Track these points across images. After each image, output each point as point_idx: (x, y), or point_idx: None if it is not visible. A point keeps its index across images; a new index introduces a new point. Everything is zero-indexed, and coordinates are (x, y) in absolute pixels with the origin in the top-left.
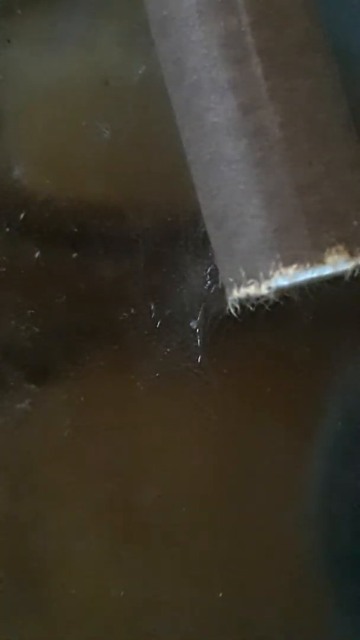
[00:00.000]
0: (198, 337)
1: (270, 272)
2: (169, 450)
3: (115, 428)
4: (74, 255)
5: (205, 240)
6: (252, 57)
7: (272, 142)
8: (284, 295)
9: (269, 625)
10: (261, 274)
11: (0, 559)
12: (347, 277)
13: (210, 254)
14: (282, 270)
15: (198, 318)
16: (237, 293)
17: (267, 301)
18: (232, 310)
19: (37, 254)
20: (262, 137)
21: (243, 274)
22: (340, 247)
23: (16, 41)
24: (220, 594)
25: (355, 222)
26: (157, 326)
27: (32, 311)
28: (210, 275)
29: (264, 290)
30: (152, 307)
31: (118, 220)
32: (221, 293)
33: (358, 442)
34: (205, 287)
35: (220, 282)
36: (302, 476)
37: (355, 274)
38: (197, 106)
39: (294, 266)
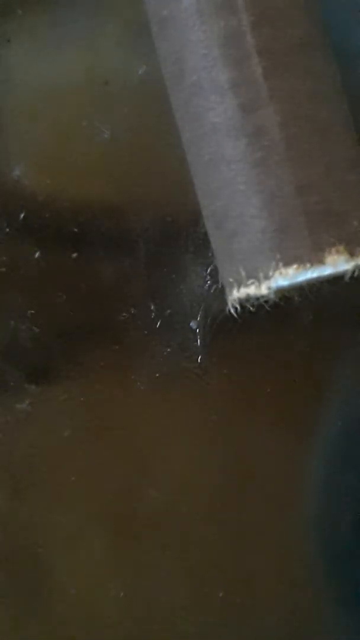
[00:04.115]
0: (198, 337)
1: (270, 272)
2: (169, 450)
3: (115, 428)
4: (74, 255)
5: (205, 240)
6: (252, 57)
7: (272, 142)
8: (284, 295)
9: (269, 626)
10: (261, 274)
11: (0, 559)
12: (347, 277)
13: (210, 254)
14: (282, 270)
15: (198, 318)
16: (237, 293)
17: (267, 301)
18: (232, 310)
19: (37, 254)
20: (262, 137)
21: (243, 274)
22: (340, 247)
23: (16, 41)
24: (220, 594)
25: (355, 222)
26: (157, 326)
27: (32, 311)
28: (210, 275)
29: (264, 290)
30: (152, 307)
31: (118, 220)
32: (221, 293)
33: (358, 442)
34: (205, 287)
35: (220, 282)
36: (302, 476)
37: (355, 274)
38: (197, 106)
39: (294, 266)
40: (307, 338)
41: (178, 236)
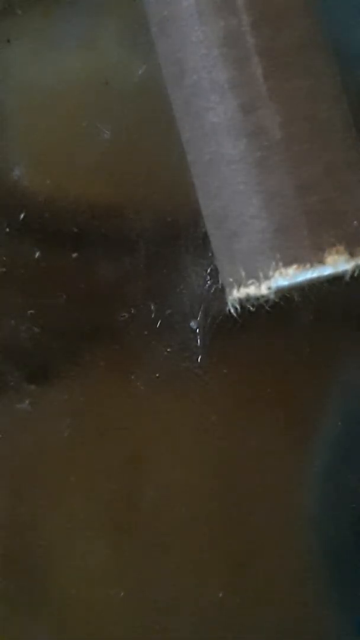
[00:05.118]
0: (198, 337)
1: (270, 272)
2: (168, 450)
3: (115, 428)
4: (74, 255)
5: (205, 240)
6: (252, 57)
7: (272, 142)
8: (284, 295)
9: (269, 626)
10: (261, 274)
11: (0, 558)
12: (347, 277)
13: (210, 254)
14: (282, 270)
15: (198, 318)
16: (237, 293)
17: (267, 301)
18: (232, 310)
19: (37, 254)
20: (262, 137)
21: (243, 274)
22: (340, 247)
23: (16, 41)
24: (220, 594)
25: (355, 222)
26: (157, 326)
27: (32, 311)
28: (210, 275)
29: (264, 290)
30: (152, 307)
31: (118, 220)
32: (221, 293)
33: (358, 442)
34: (205, 287)
35: (220, 282)
36: (302, 476)
37: (355, 274)
38: (197, 106)
39: (294, 266)
40: (307, 338)
41: (178, 236)
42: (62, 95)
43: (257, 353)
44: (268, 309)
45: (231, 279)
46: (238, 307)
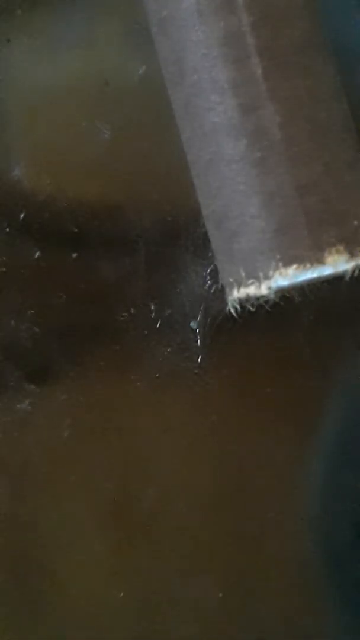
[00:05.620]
0: (198, 337)
1: (270, 272)
2: (168, 450)
3: (115, 428)
4: (74, 255)
5: (205, 240)
6: (252, 57)
7: (272, 142)
8: (284, 295)
9: (269, 626)
10: (261, 274)
11: (0, 558)
12: (347, 277)
13: (210, 254)
14: (282, 270)
15: (198, 318)
16: (237, 293)
17: (267, 301)
18: (232, 310)
19: (37, 254)
20: (262, 137)
21: (243, 274)
22: (340, 247)
23: (16, 41)
24: (220, 594)
25: (355, 222)
26: (157, 326)
27: (32, 311)
28: (210, 275)
29: (264, 290)
30: (152, 307)
31: (118, 220)
32: (221, 293)
33: (358, 442)
34: (205, 287)
35: (220, 282)
36: (302, 476)
37: (355, 274)
38: (197, 106)
39: (294, 266)
40: (307, 338)
41: (178, 236)
42: (62, 95)
43: (257, 353)
44: (268, 309)
45: (231, 279)
46: (238, 307)
